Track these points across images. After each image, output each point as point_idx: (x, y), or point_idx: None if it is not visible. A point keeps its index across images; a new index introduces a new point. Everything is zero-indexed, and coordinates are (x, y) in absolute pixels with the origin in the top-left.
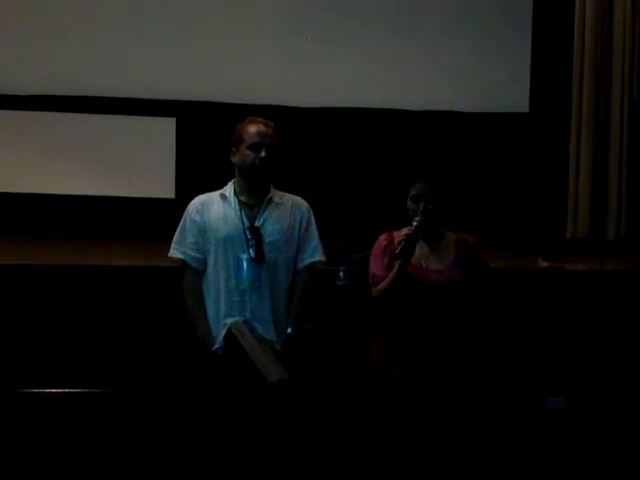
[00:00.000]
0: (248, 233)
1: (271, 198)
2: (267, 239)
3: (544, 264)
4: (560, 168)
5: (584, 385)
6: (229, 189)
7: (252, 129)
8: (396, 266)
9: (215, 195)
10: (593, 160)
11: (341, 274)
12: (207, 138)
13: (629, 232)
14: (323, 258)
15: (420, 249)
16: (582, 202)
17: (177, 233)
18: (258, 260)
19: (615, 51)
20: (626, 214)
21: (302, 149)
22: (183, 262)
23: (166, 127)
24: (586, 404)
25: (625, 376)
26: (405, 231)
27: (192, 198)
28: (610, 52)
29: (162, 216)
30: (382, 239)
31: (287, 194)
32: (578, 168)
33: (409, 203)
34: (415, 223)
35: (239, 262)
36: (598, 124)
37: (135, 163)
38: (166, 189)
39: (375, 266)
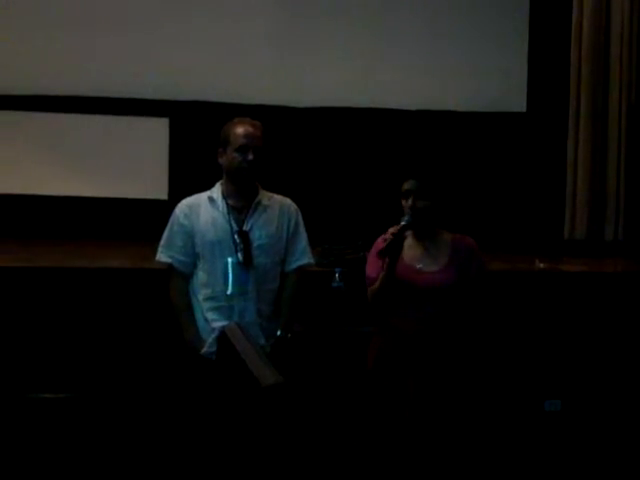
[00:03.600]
0: (236, 237)
1: (259, 201)
2: (255, 243)
3: (541, 265)
4: (558, 168)
5: (581, 388)
6: (217, 191)
7: (239, 130)
8: (385, 265)
9: (203, 197)
10: (591, 161)
11: (337, 276)
12: (201, 138)
13: (627, 233)
14: (312, 261)
15: (415, 250)
16: (580, 203)
17: (164, 237)
18: (246, 264)
19: (613, 51)
20: (624, 215)
21: (296, 149)
22: (170, 266)
23: (159, 127)
24: (583, 407)
25: (623, 378)
26: (391, 230)
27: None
28: (608, 52)
29: (155, 217)
30: (379, 242)
31: (275, 195)
32: (576, 169)
33: (402, 199)
34: (403, 222)
35: (227, 266)
36: (596, 125)
37: (127, 164)
38: (159, 190)
39: (370, 268)
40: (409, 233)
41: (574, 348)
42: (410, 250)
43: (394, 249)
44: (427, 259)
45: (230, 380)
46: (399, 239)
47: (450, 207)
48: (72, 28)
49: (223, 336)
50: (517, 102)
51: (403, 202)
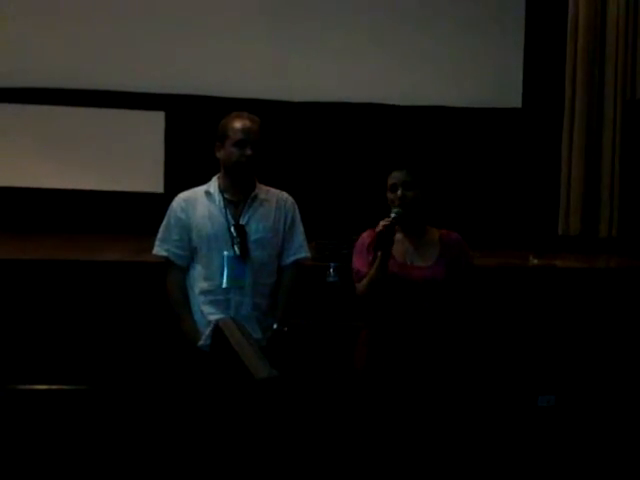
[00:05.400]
0: (233, 231)
1: (256, 195)
2: (252, 237)
3: (535, 261)
4: (552, 164)
5: (575, 383)
6: (213, 185)
7: (237, 125)
8: (377, 259)
9: (199, 191)
10: (585, 157)
11: (331, 270)
12: (196, 132)
13: (621, 230)
14: (308, 254)
15: (404, 246)
16: (574, 199)
17: (161, 230)
18: (242, 258)
19: (608, 47)
20: (618, 212)
21: (292, 144)
22: (167, 259)
23: (155, 121)
24: (577, 402)
25: (617, 374)
26: (383, 222)
27: (181, 192)
28: (603, 48)
29: (151, 210)
30: (365, 236)
31: (272, 189)
32: (570, 165)
33: (388, 194)
34: (393, 214)
35: (223, 260)
36: (591, 121)
37: (123, 157)
38: (155, 183)
39: (358, 263)
40: (398, 228)
41: (568, 344)
42: (400, 246)
43: (386, 241)
44: (417, 255)
45: (224, 373)
46: (391, 231)
47: (438, 197)
48: (69, 22)
49: (217, 330)
50: (513, 98)
51: (390, 195)
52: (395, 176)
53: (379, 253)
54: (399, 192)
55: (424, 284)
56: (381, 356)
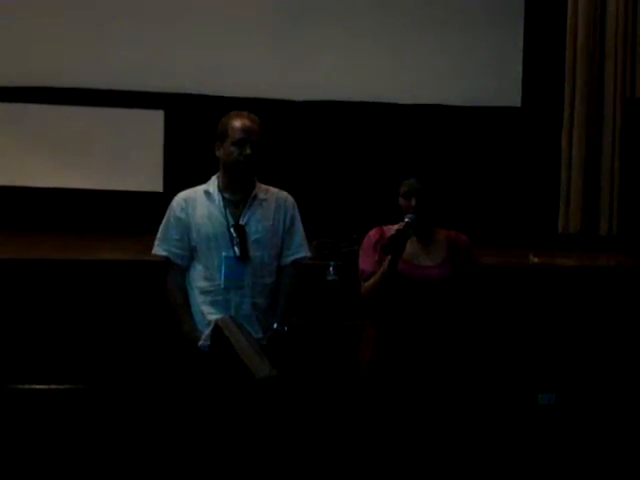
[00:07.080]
0: (232, 231)
1: (256, 195)
2: (251, 237)
3: (535, 259)
4: (552, 163)
5: (575, 381)
6: (213, 185)
7: (237, 124)
8: (386, 262)
9: (199, 191)
10: (585, 155)
11: (331, 269)
12: (196, 131)
13: (621, 228)
14: (308, 254)
15: (412, 246)
16: (574, 197)
17: (161, 230)
18: (242, 258)
19: (608, 46)
20: (618, 210)
21: (292, 143)
22: (167, 259)
23: (154, 120)
24: (577, 400)
25: (617, 372)
26: (396, 227)
27: (180, 192)
28: (603, 47)
29: (150, 210)
30: (372, 234)
31: (272, 188)
32: (570, 163)
33: (401, 200)
34: (407, 220)
35: (223, 260)
36: (590, 119)
37: (123, 156)
38: (154, 182)
39: (365, 262)
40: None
41: (568, 342)
42: (408, 246)
43: (398, 246)
44: (424, 255)
45: (224, 373)
46: (404, 236)
47: (448, 204)
48: (68, 21)
49: (216, 329)
50: (512, 97)
51: (403, 202)
52: (409, 184)
53: (389, 256)
54: (413, 201)
55: (430, 283)
56: (386, 354)
